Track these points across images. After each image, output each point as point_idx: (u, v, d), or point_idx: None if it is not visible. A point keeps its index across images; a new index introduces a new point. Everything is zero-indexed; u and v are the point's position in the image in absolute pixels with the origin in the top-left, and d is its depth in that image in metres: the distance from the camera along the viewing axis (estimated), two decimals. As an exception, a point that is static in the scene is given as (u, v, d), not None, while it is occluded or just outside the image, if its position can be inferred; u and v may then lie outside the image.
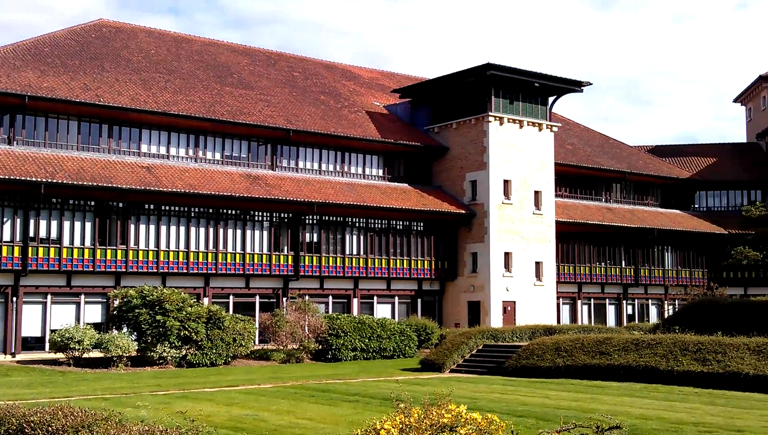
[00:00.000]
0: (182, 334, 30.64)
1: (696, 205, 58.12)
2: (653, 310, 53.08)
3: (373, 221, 42.83)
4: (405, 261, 43.63)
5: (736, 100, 68.39)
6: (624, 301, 51.81)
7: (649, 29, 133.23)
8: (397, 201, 42.77)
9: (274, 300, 40.08)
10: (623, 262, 51.35)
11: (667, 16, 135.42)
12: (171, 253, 36.80)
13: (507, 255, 44.36)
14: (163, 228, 36.85)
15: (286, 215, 40.29)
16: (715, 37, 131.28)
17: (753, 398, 21.87)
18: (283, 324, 34.72)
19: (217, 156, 40.31)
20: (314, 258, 40.65)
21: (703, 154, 61.02)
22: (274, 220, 40.04)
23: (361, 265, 42.10)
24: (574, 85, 46.93)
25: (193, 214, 37.73)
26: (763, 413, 18.63)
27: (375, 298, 43.28)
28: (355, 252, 42.14)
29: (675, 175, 56.23)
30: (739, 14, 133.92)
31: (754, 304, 35.21)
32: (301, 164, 42.76)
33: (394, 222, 43.57)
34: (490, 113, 44.25)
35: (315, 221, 41.00)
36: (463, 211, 44.15)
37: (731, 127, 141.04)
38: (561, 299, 48.56)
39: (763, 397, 22.07)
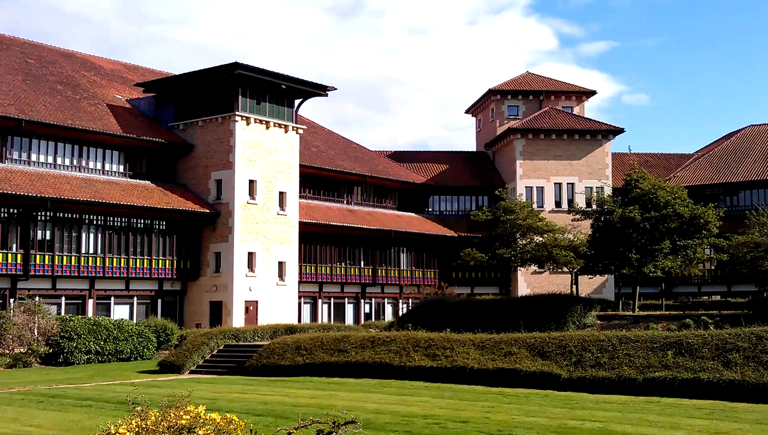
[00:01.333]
0: None
1: (430, 209, 61.48)
2: (389, 309, 55.45)
3: (112, 219, 41.20)
4: (146, 260, 42.38)
5: (467, 112, 72.97)
6: (362, 300, 53.69)
7: (387, 40, 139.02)
8: (139, 199, 41.47)
9: (1, 301, 37.40)
10: (362, 263, 53.21)
11: (403, 29, 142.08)
12: None
13: (251, 255, 44.46)
14: None
15: (15, 211, 37.74)
16: (446, 51, 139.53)
17: (477, 391, 23.52)
18: (10, 327, 32.66)
19: (-63, 144, 36.99)
20: (46, 257, 38.41)
21: (437, 161, 64.69)
22: (2, 215, 37.37)
23: (98, 264, 40.36)
24: (319, 90, 48.01)
25: None
26: (485, 404, 20.14)
27: (112, 298, 41.63)
28: (91, 251, 40.31)
29: (411, 180, 59.16)
30: (469, 30, 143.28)
31: (479, 303, 38.00)
32: (34, 157, 40.22)
33: (135, 220, 42.19)
34: (237, 113, 44.13)
35: (48, 218, 38.75)
36: (208, 211, 43.68)
37: (462, 136, 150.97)
38: (303, 299, 49.44)
39: (485, 389, 23.80)
